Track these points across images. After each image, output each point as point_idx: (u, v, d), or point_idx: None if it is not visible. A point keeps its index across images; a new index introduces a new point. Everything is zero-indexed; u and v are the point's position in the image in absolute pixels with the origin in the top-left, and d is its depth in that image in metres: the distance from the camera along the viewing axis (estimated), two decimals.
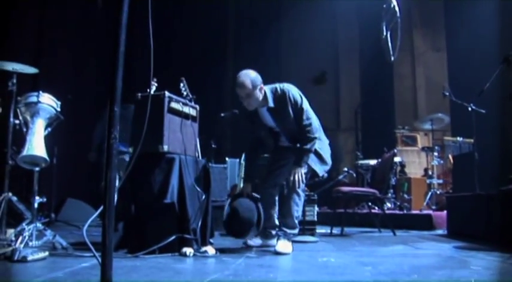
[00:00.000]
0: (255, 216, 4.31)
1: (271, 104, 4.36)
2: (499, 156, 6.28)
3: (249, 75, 4.28)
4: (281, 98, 4.37)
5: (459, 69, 9.67)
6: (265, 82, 4.37)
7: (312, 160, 4.54)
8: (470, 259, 3.68)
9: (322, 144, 4.69)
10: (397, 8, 8.86)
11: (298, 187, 4.34)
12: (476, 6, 8.67)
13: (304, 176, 4.37)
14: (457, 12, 9.68)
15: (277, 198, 4.77)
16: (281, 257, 3.97)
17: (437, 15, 11.59)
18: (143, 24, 2.18)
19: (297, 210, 4.43)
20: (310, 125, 4.40)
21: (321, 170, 4.66)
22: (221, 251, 4.04)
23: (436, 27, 11.87)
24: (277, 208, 4.74)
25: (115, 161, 1.81)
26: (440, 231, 6.39)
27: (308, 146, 4.40)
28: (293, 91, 4.42)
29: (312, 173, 4.64)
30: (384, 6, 9.32)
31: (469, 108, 6.53)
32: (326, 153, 4.71)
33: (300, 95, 4.45)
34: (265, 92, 4.34)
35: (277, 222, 4.68)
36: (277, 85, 4.46)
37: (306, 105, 4.44)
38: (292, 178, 4.30)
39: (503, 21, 7.82)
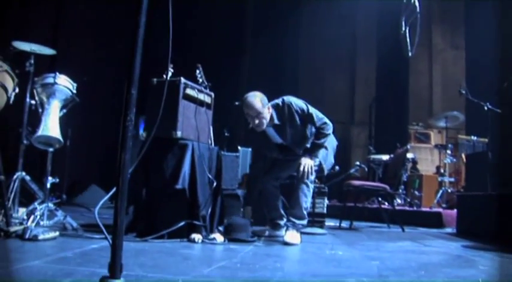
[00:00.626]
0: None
1: (276, 121, 4.45)
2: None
3: (257, 96, 4.34)
4: (287, 112, 4.47)
5: (477, 68, 9.56)
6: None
7: (322, 156, 4.67)
8: (478, 258, 3.66)
9: (330, 143, 4.84)
10: (417, 4, 8.77)
11: (307, 178, 4.34)
12: (497, 5, 8.56)
13: (313, 168, 4.40)
14: (477, 10, 9.56)
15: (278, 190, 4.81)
16: (289, 247, 3.98)
17: (457, 13, 11.45)
18: (163, 9, 2.18)
19: (306, 201, 4.41)
20: (325, 123, 4.47)
21: (327, 167, 4.83)
22: (229, 239, 4.05)
23: (456, 25, 11.74)
24: (281, 199, 4.81)
25: (129, 144, 1.82)
26: (449, 230, 6.36)
27: (321, 141, 4.47)
28: (295, 101, 4.50)
29: (319, 168, 4.70)
30: (404, 1, 9.23)
31: (485, 108, 6.48)
32: (331, 152, 4.91)
33: (303, 102, 4.53)
34: (271, 111, 4.42)
35: (283, 212, 4.73)
36: (277, 101, 4.52)
37: (312, 109, 4.51)
38: (301, 168, 4.31)
39: None
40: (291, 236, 4.18)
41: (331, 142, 4.84)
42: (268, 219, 4.83)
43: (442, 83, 11.97)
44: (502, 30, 6.83)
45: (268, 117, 4.37)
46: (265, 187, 4.69)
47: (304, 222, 4.49)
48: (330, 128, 4.49)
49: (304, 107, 4.48)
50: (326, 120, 4.50)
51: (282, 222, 4.69)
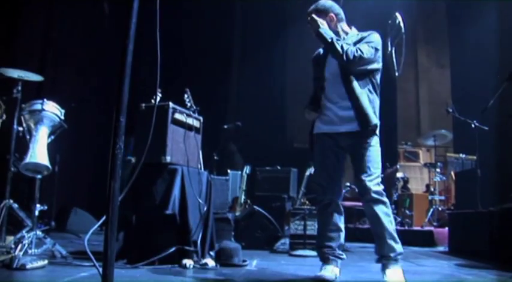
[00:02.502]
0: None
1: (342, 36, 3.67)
2: (501, 173, 6.26)
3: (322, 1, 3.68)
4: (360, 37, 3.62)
5: (463, 86, 9.67)
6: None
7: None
8: (471, 277, 3.66)
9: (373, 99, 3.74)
10: (402, 24, 8.87)
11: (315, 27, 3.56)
12: (480, 24, 8.70)
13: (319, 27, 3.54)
14: (460, 30, 9.70)
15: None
16: (281, 271, 3.95)
17: (442, 32, 11.61)
18: (150, 35, 2.19)
19: (390, 221, 3.49)
20: (367, 52, 3.50)
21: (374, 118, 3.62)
22: (221, 264, 4.01)
23: (441, 44, 11.89)
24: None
25: (119, 172, 1.81)
26: (441, 248, 6.36)
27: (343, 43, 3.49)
28: (378, 36, 3.67)
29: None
30: (390, 21, 9.33)
31: (473, 125, 6.54)
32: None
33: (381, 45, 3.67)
34: (339, 28, 3.69)
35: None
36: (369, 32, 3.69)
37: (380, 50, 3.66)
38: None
39: (509, 38, 7.83)
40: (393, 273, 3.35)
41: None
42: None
43: (429, 102, 12.07)
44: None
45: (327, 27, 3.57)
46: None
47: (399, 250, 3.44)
48: (367, 60, 3.51)
49: (377, 45, 3.62)
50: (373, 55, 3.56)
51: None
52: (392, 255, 3.34)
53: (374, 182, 3.41)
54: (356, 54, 3.41)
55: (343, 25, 3.73)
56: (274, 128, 11.21)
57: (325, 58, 3.70)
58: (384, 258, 3.38)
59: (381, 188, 3.42)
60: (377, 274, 3.46)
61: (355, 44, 3.53)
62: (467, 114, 6.99)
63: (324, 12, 3.63)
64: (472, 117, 6.72)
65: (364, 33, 3.64)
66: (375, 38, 3.60)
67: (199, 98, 4.71)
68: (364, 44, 3.50)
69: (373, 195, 3.37)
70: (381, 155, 3.53)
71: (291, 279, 3.59)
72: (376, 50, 3.57)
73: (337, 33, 3.63)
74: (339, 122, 3.55)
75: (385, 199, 3.42)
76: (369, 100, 3.57)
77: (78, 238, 6.15)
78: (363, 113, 3.46)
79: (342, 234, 3.66)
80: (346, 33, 3.70)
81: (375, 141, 3.51)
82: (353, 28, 3.78)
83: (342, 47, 3.42)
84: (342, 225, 3.65)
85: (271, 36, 11.90)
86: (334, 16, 3.64)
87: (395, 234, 3.40)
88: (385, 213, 3.40)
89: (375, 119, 3.51)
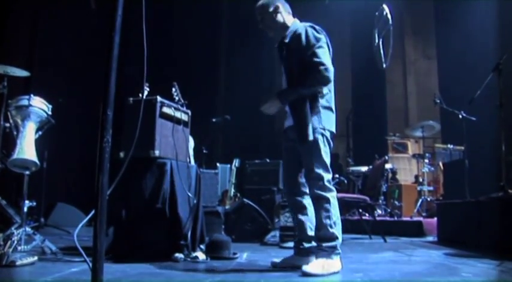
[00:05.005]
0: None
1: (286, 39, 3.64)
2: (489, 163, 6.31)
3: None
4: (299, 34, 3.58)
5: (450, 77, 9.72)
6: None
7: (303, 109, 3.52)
8: (460, 266, 3.68)
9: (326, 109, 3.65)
10: (389, 16, 8.90)
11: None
12: (466, 15, 8.74)
13: (272, 108, 3.64)
14: (447, 21, 9.74)
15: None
16: (271, 262, 3.95)
17: (429, 24, 11.64)
18: (137, 29, 2.17)
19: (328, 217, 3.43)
20: (324, 65, 3.45)
21: (317, 131, 3.51)
22: (212, 257, 4.01)
23: (427, 36, 11.93)
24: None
25: (107, 165, 1.80)
26: (430, 238, 6.40)
27: (306, 86, 3.53)
28: (314, 30, 3.59)
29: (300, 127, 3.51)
30: (376, 13, 9.36)
31: (460, 116, 6.58)
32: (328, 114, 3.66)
33: (323, 36, 3.59)
34: (286, 22, 3.71)
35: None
36: (312, 25, 3.64)
37: (323, 47, 3.55)
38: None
39: (494, 29, 7.88)
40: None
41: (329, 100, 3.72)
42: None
43: (416, 93, 12.14)
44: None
45: (273, 23, 3.70)
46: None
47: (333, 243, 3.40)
48: (325, 80, 3.51)
49: (314, 40, 3.52)
50: (329, 67, 3.49)
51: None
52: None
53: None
54: (325, 72, 3.48)
55: (286, 17, 3.74)
56: (262, 121, 11.20)
57: (280, 54, 3.73)
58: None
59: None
60: (369, 265, 3.48)
61: (294, 41, 3.57)
62: (454, 105, 7.03)
63: (266, 7, 3.71)
64: (459, 108, 6.76)
65: (302, 31, 3.58)
66: (312, 33, 3.57)
67: (187, 91, 4.69)
68: (316, 49, 3.50)
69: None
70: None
71: (281, 271, 3.60)
72: (320, 46, 3.54)
73: (279, 25, 3.69)
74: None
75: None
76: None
77: (68, 234, 6.13)
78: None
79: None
80: (287, 28, 3.70)
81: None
82: (296, 20, 3.78)
83: (313, 81, 3.50)
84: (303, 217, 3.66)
85: (259, 29, 11.86)
86: (277, 7, 3.69)
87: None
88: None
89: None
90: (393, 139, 10.17)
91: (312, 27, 3.61)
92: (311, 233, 3.58)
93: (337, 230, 3.41)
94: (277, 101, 3.62)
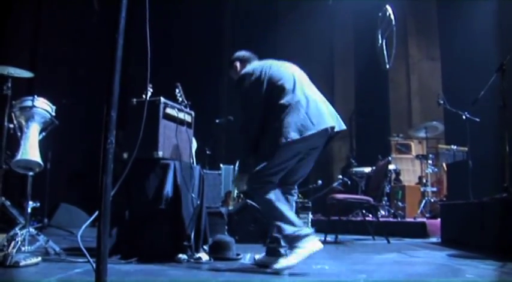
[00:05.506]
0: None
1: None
2: (493, 164, 6.29)
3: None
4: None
5: (453, 78, 9.69)
6: None
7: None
8: (464, 267, 3.68)
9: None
10: (392, 17, 8.90)
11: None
12: (470, 16, 8.73)
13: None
14: (450, 22, 9.73)
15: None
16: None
17: (432, 25, 11.62)
18: (140, 30, 2.18)
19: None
20: (241, 129, 3.64)
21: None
22: (215, 258, 4.02)
23: (431, 36, 11.89)
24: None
25: (111, 166, 1.81)
26: (434, 239, 6.39)
27: (244, 151, 3.69)
28: (248, 67, 3.86)
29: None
30: (380, 14, 9.36)
31: (464, 117, 6.57)
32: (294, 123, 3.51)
33: (252, 72, 3.76)
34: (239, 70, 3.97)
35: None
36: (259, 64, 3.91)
37: (246, 85, 3.71)
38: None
39: (498, 29, 7.87)
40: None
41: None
42: None
43: (420, 94, 12.09)
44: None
45: (233, 75, 4.02)
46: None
47: (284, 233, 3.42)
48: (246, 129, 3.62)
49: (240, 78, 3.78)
50: (248, 113, 3.64)
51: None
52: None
53: None
54: (244, 142, 3.62)
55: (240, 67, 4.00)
56: None
57: None
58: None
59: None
60: (372, 266, 3.48)
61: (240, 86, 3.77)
62: (458, 106, 7.01)
63: (233, 62, 4.05)
64: (463, 108, 6.74)
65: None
66: (240, 83, 3.78)
67: (190, 92, 4.69)
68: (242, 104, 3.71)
69: None
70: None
71: (286, 271, 3.60)
72: (245, 93, 3.74)
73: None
74: None
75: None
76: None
77: (71, 235, 6.13)
78: None
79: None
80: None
81: None
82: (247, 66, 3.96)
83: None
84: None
85: (262, 29, 11.88)
86: (236, 64, 4.03)
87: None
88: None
89: None
90: (396, 140, 10.14)
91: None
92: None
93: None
94: (242, 174, 3.68)
